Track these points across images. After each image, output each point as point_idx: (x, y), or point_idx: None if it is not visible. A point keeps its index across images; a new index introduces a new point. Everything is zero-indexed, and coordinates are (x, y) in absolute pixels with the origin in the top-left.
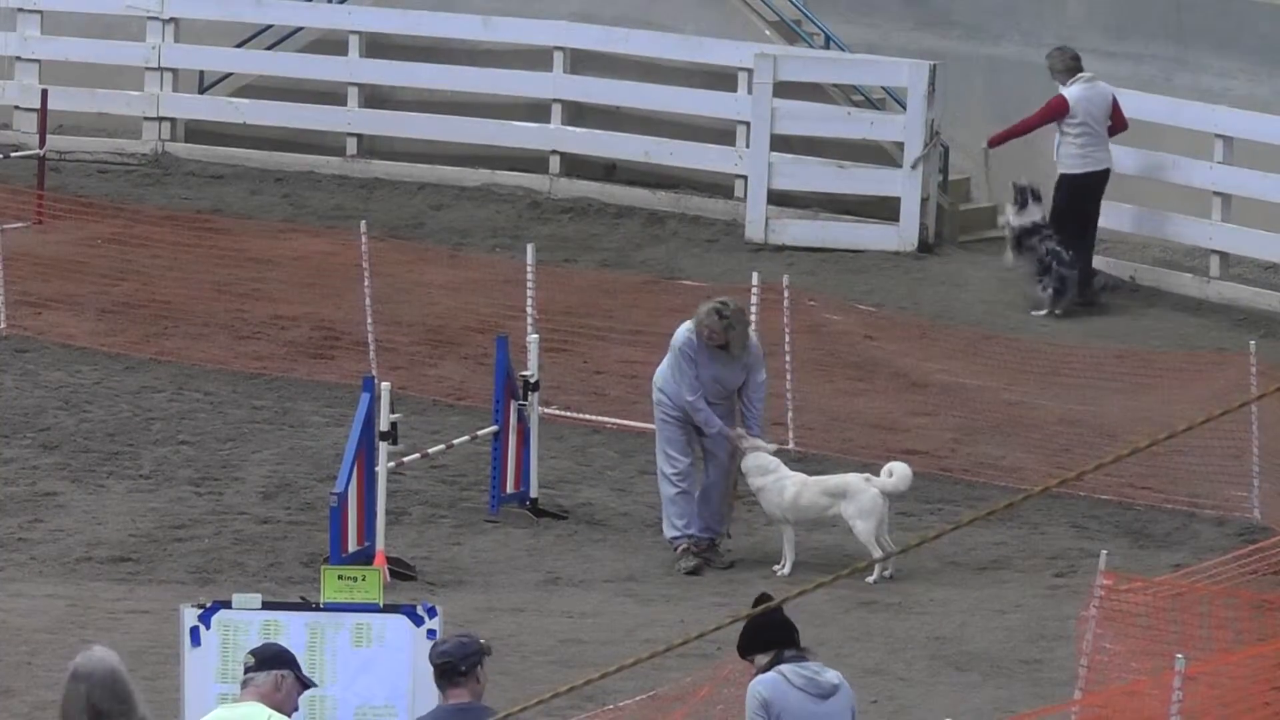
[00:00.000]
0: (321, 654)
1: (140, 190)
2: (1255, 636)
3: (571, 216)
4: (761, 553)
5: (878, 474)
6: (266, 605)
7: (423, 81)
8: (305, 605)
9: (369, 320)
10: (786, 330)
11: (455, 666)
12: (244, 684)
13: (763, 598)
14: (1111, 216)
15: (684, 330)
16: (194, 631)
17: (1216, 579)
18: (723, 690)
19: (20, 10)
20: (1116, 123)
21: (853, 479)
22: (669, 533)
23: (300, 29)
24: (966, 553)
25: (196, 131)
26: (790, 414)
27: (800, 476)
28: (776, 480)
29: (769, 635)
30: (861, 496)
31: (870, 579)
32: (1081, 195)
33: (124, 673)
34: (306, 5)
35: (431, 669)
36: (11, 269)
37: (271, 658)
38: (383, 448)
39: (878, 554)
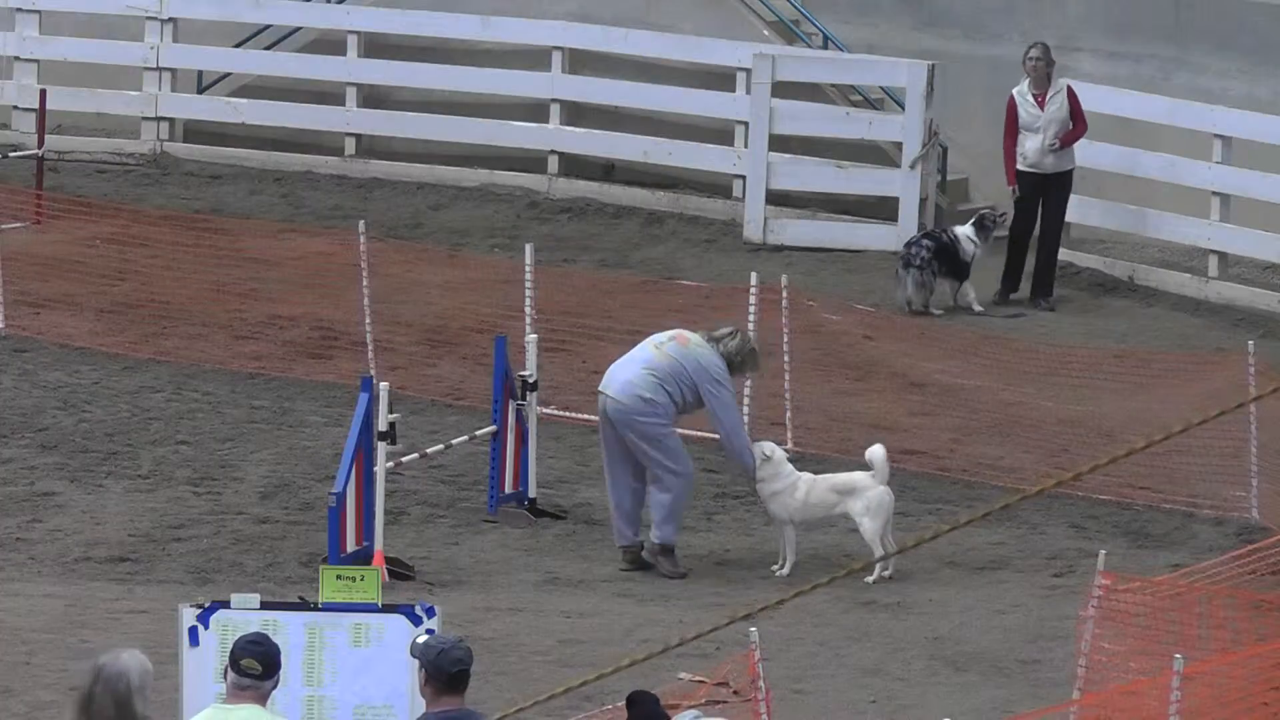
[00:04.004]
0: (320, 654)
1: (139, 190)
2: (1254, 636)
3: (570, 216)
4: (760, 553)
5: (866, 469)
6: (265, 605)
7: (421, 81)
8: (304, 605)
9: (367, 320)
10: (785, 330)
11: (468, 672)
12: (243, 686)
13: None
14: (1111, 216)
15: (719, 362)
16: (192, 631)
17: (1215, 579)
18: (721, 690)
19: (19, 10)
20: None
21: (860, 477)
22: (673, 538)
23: (299, 29)
24: (965, 553)
25: (195, 131)
26: (789, 414)
27: (808, 475)
28: (790, 483)
29: None
30: (869, 494)
31: (870, 579)
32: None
33: (135, 681)
34: (305, 5)
35: (439, 675)
36: (10, 269)
37: (274, 662)
38: (381, 448)
39: (879, 553)
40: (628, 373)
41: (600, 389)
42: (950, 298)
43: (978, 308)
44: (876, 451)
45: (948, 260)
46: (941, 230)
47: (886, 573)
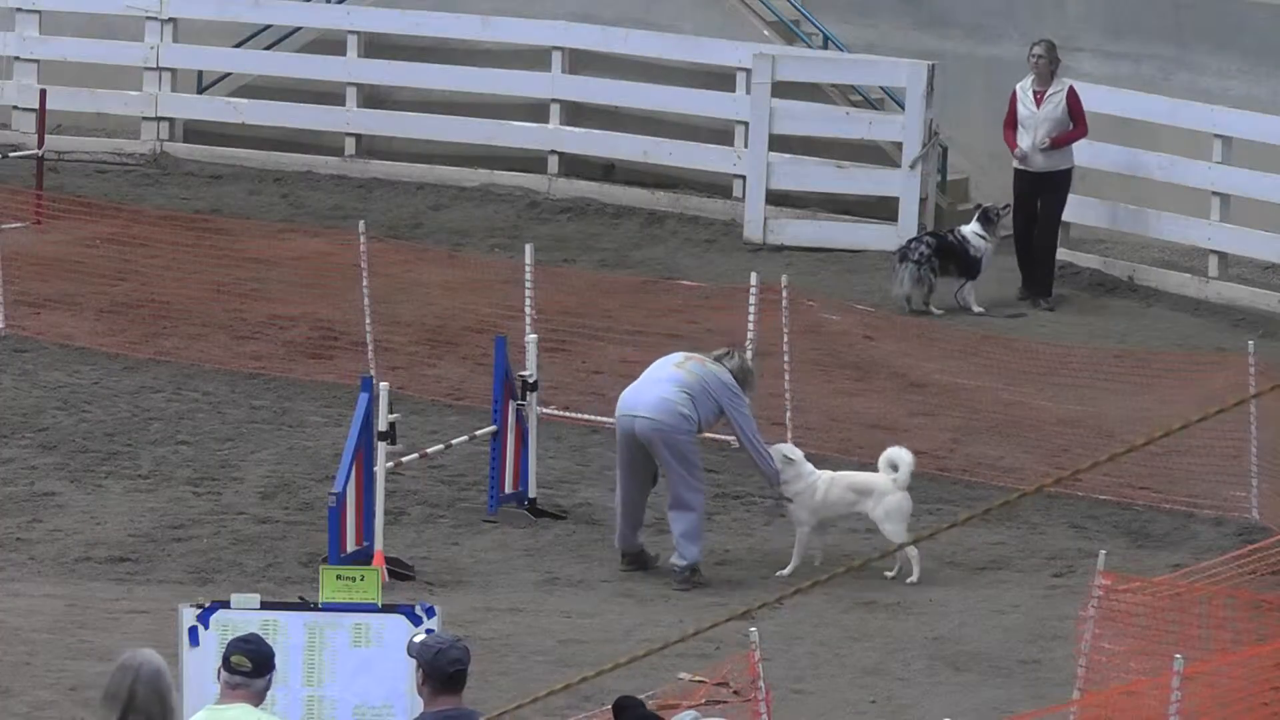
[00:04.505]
0: (320, 654)
1: (139, 190)
2: (1254, 636)
3: (570, 216)
4: (760, 553)
5: (875, 470)
6: (265, 605)
7: (421, 81)
8: (304, 605)
9: (367, 320)
10: (785, 330)
11: (466, 672)
12: (234, 685)
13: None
14: (1111, 216)
15: (730, 379)
16: (192, 631)
17: (1215, 579)
18: (721, 690)
19: (19, 10)
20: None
21: (879, 479)
22: (700, 556)
23: (299, 29)
24: (965, 553)
25: (195, 131)
26: (789, 414)
27: (827, 474)
28: (810, 483)
29: None
30: (889, 499)
31: (891, 576)
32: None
33: (168, 677)
34: (305, 5)
35: (437, 675)
36: (10, 269)
37: (266, 661)
38: (381, 448)
39: (914, 550)
40: (660, 391)
41: (624, 412)
42: (952, 297)
43: (977, 309)
44: (904, 455)
45: (957, 259)
46: (948, 231)
47: (889, 573)
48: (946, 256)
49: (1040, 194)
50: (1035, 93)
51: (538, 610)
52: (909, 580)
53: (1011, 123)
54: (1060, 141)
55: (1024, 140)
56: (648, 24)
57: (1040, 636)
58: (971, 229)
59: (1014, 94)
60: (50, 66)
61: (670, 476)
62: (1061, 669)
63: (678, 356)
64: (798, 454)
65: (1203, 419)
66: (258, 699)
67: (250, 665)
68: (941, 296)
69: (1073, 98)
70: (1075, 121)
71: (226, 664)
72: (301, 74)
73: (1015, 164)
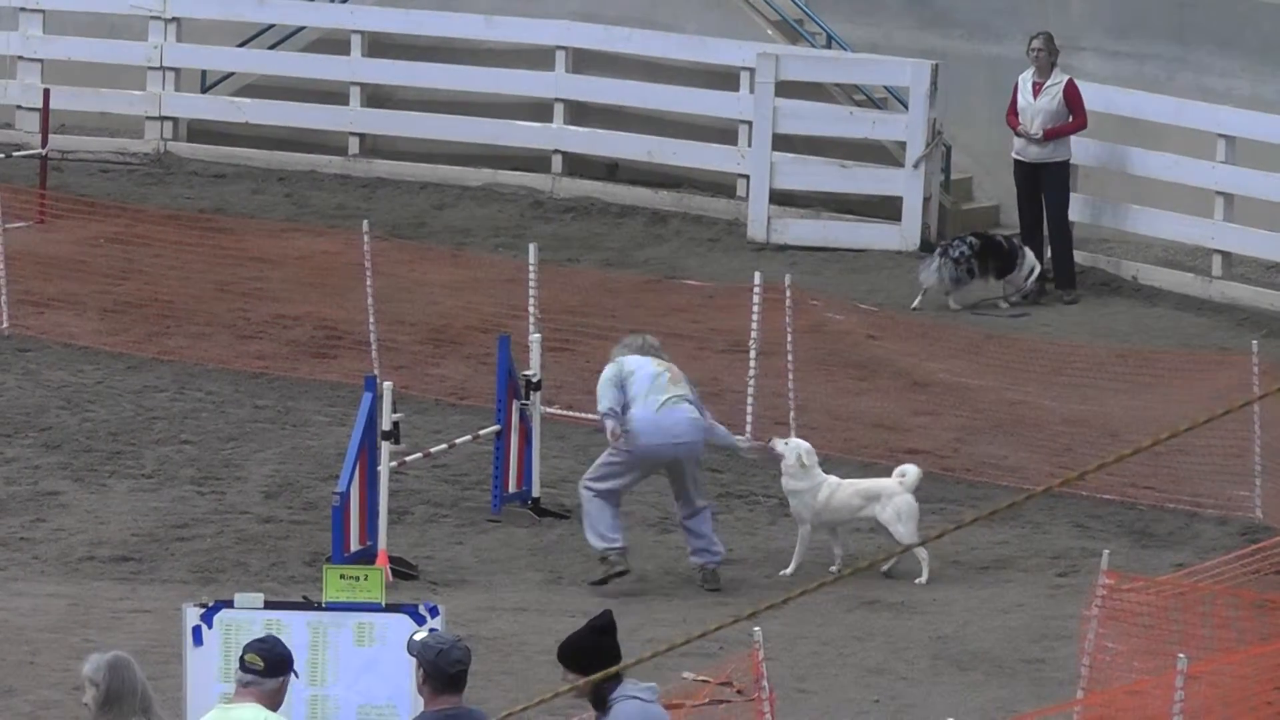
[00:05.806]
0: (324, 653)
1: (142, 190)
2: (1257, 636)
3: (574, 216)
4: (763, 552)
5: (885, 474)
6: (269, 605)
7: (425, 81)
8: (307, 604)
9: (371, 320)
10: (789, 330)
11: (467, 672)
12: (245, 683)
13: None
14: (1114, 216)
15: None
16: (196, 631)
17: (1219, 578)
18: (725, 689)
19: (23, 10)
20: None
21: (886, 483)
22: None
23: (302, 28)
24: (969, 552)
25: (199, 131)
26: (792, 413)
27: (834, 479)
28: (812, 485)
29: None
30: (897, 500)
31: (921, 580)
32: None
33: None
34: (309, 4)
35: (438, 675)
36: (14, 268)
37: (280, 662)
38: (385, 447)
39: (923, 552)
40: (684, 413)
41: (665, 440)
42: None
43: (1005, 302)
44: (910, 468)
45: (1000, 258)
46: (1006, 238)
47: (884, 568)
48: (988, 255)
49: (1038, 185)
50: (1034, 84)
51: (541, 609)
52: (917, 581)
53: (1013, 111)
54: (1055, 133)
55: (1020, 130)
56: (651, 23)
57: (1044, 636)
58: (1031, 252)
59: (1016, 84)
60: (54, 66)
61: (689, 486)
62: (1065, 668)
63: (657, 367)
64: (813, 458)
65: (1209, 420)
66: (270, 700)
67: (263, 664)
68: (963, 295)
69: (1071, 90)
70: (1074, 113)
71: (241, 662)
72: (305, 73)
73: (1014, 154)
